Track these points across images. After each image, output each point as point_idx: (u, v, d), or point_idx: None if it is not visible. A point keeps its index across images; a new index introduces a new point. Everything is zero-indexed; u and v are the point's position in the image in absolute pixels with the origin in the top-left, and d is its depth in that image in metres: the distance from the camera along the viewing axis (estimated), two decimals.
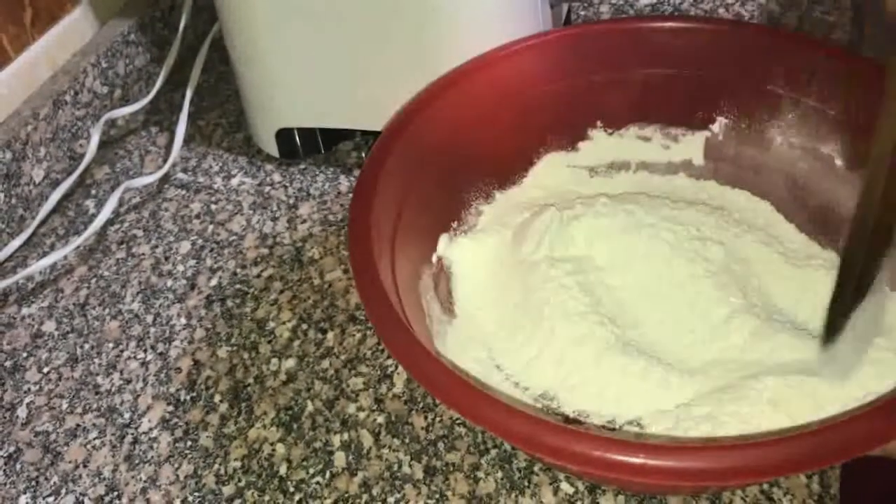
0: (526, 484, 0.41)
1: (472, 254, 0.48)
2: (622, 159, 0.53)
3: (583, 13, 0.69)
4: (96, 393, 0.48)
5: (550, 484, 0.41)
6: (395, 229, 0.44)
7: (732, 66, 0.47)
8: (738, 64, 0.48)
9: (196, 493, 0.43)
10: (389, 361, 0.47)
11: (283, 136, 0.59)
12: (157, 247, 0.56)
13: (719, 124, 0.51)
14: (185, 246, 0.56)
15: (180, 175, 0.61)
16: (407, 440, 0.43)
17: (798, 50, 0.48)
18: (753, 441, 0.31)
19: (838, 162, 0.48)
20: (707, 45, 0.49)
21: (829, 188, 0.48)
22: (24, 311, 0.53)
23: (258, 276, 0.53)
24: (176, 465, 0.44)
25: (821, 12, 0.66)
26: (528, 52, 0.50)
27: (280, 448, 0.44)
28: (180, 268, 0.54)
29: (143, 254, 0.56)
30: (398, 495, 0.41)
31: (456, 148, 0.49)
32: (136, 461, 0.44)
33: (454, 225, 0.50)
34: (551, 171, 0.53)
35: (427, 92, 0.48)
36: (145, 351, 0.50)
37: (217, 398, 0.47)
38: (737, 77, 0.49)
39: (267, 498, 0.42)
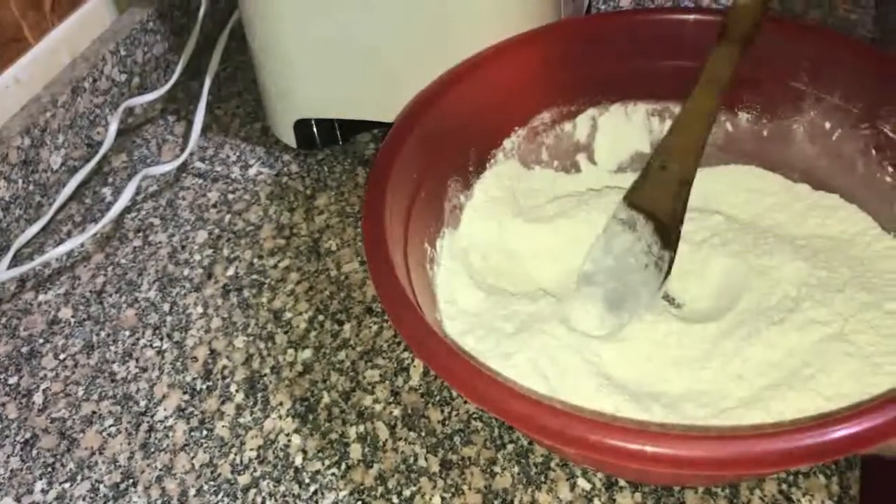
0: (542, 479, 0.41)
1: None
2: (641, 151, 0.53)
3: (603, 6, 0.69)
4: (112, 380, 0.48)
5: (567, 480, 0.41)
6: (410, 212, 0.44)
7: (755, 60, 0.47)
8: (761, 58, 0.47)
9: (211, 483, 0.43)
10: (406, 354, 0.47)
11: (302, 126, 0.58)
12: (173, 235, 0.56)
13: (741, 118, 0.51)
14: (202, 235, 0.56)
15: (198, 164, 0.61)
16: (423, 433, 0.43)
17: (823, 46, 0.47)
18: (744, 434, 0.31)
19: (860, 161, 0.47)
20: None
21: (850, 186, 0.48)
22: (41, 297, 0.53)
23: (275, 266, 0.53)
24: (191, 454, 0.44)
25: (844, 10, 0.66)
26: (547, 41, 0.50)
27: (296, 439, 0.44)
28: (197, 257, 0.54)
29: (160, 242, 0.56)
30: (413, 488, 0.41)
31: (473, 134, 0.49)
32: (152, 449, 0.44)
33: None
34: None
35: (446, 77, 0.48)
36: (161, 339, 0.50)
37: (233, 388, 0.47)
38: (760, 72, 0.48)
39: (282, 488, 0.42)
